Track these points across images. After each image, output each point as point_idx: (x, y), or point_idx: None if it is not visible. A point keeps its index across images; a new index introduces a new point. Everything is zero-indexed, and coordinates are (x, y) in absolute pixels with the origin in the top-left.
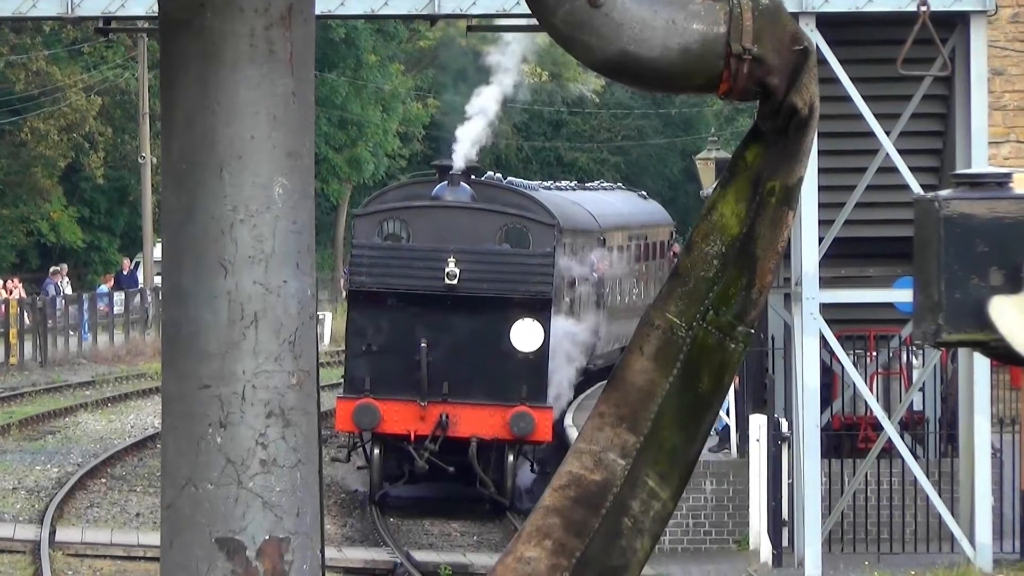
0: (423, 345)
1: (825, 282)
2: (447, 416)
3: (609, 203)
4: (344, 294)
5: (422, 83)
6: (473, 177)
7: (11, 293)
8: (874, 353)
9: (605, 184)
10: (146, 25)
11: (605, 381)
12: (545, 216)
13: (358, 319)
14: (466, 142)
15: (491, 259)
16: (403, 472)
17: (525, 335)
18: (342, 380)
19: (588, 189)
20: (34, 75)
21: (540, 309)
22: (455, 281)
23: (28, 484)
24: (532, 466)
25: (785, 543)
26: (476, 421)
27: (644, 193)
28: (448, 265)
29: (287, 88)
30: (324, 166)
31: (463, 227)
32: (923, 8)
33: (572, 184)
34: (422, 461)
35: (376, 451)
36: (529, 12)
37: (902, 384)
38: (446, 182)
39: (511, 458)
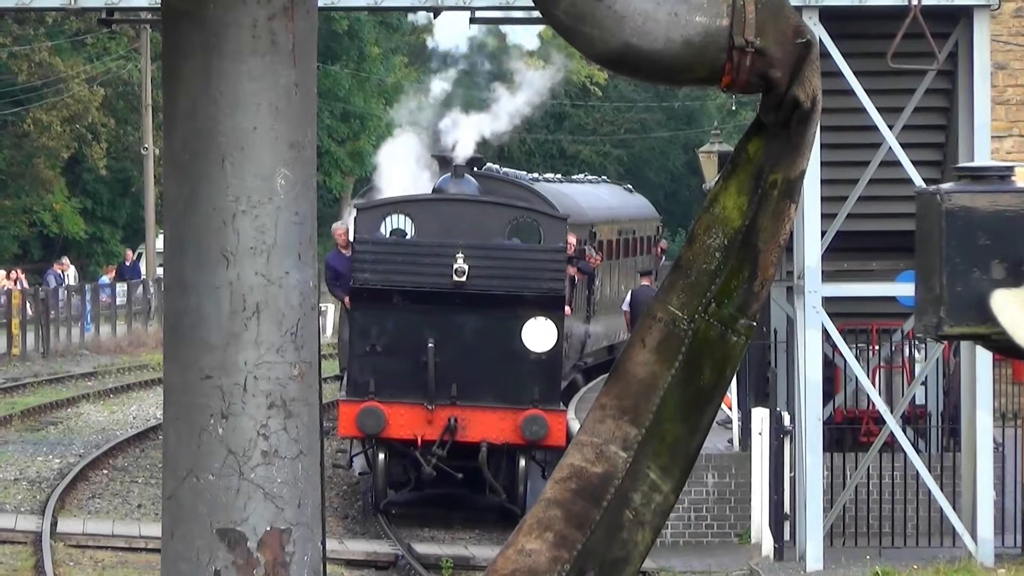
0: (430, 345)
1: (827, 276)
2: (456, 420)
3: (598, 196)
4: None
5: (426, 76)
6: (475, 169)
7: (14, 284)
8: (876, 347)
9: (590, 177)
10: (149, 16)
11: (598, 377)
12: (555, 209)
13: (361, 318)
14: (469, 133)
15: (501, 255)
16: (409, 479)
17: (537, 334)
18: (340, 380)
19: (575, 182)
20: (37, 66)
21: (553, 307)
22: (464, 278)
23: (30, 475)
24: (543, 472)
25: (787, 537)
26: (486, 425)
27: (630, 187)
28: (456, 261)
29: (289, 79)
30: (327, 159)
31: (470, 221)
32: (914, 3)
33: (558, 176)
34: (429, 467)
35: (381, 457)
36: (532, 4)
37: (904, 378)
38: (450, 174)
39: (523, 463)
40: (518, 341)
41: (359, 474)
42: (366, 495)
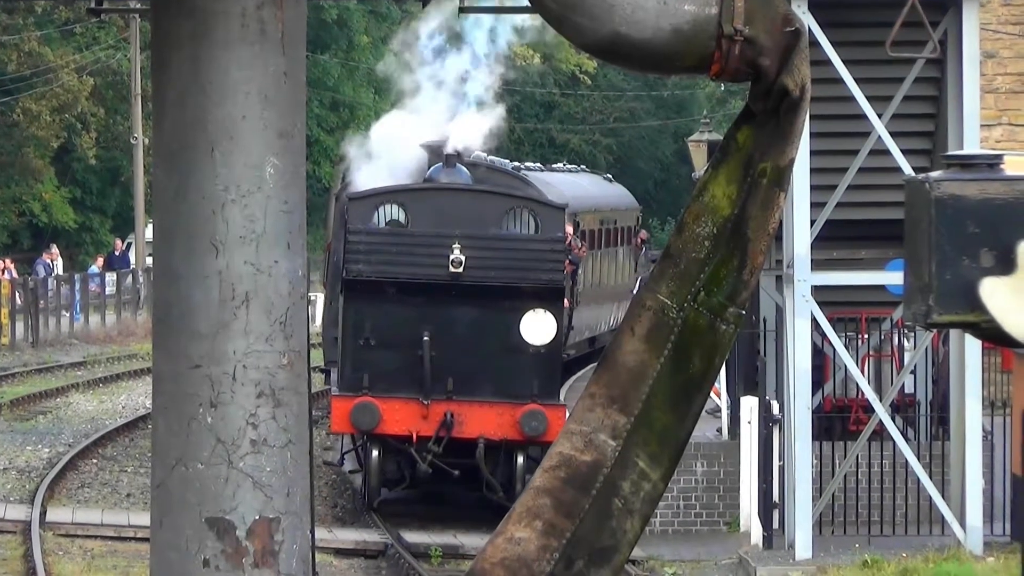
0: (426, 338)
1: (817, 264)
2: (452, 415)
3: (580, 185)
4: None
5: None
6: (465, 158)
7: (3, 273)
8: (866, 335)
9: (570, 166)
10: (138, 5)
11: (580, 371)
12: (550, 198)
13: (355, 311)
14: (460, 122)
15: (499, 245)
16: (403, 476)
17: (536, 327)
18: (326, 374)
19: (555, 171)
20: (26, 56)
21: (552, 299)
22: (460, 269)
23: (19, 464)
24: None
25: (776, 525)
26: (483, 420)
27: (610, 176)
28: (453, 252)
29: (278, 68)
30: (316, 148)
31: (466, 211)
32: None
33: (539, 165)
34: (425, 464)
35: (375, 453)
36: None
37: (893, 366)
38: (441, 164)
39: (521, 460)
40: (516, 334)
41: (349, 472)
42: (357, 493)
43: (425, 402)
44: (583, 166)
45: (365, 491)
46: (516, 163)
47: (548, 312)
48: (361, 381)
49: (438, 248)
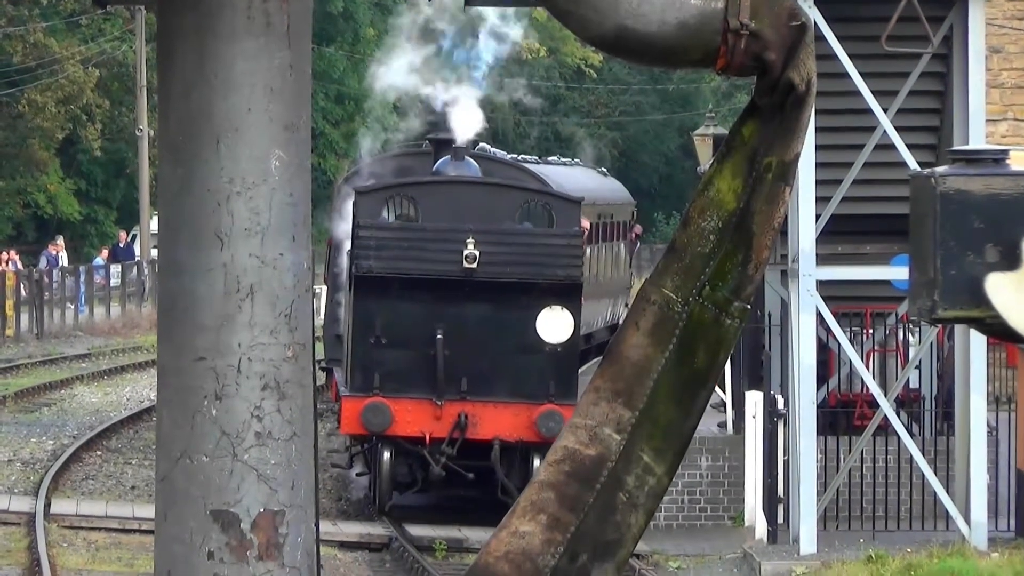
0: (439, 337)
1: (822, 259)
2: (466, 416)
3: (577, 179)
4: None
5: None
6: (472, 151)
7: (8, 265)
8: (870, 330)
9: (564, 159)
10: None
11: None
12: (561, 191)
13: (365, 308)
14: (464, 115)
15: (515, 240)
16: (415, 479)
17: (553, 325)
18: (326, 371)
19: (551, 163)
20: (32, 47)
21: (569, 296)
22: (474, 265)
23: (23, 456)
24: None
25: (780, 520)
26: (499, 421)
27: (604, 170)
28: (467, 247)
29: (284, 60)
30: (321, 141)
31: (479, 205)
32: None
33: (535, 158)
34: (438, 467)
35: (386, 456)
36: None
37: (898, 361)
38: (448, 156)
39: (537, 462)
40: (532, 332)
41: (356, 475)
42: (366, 497)
43: (438, 402)
44: (577, 159)
45: (375, 494)
46: (512, 155)
47: (565, 309)
48: (372, 381)
49: (451, 243)
